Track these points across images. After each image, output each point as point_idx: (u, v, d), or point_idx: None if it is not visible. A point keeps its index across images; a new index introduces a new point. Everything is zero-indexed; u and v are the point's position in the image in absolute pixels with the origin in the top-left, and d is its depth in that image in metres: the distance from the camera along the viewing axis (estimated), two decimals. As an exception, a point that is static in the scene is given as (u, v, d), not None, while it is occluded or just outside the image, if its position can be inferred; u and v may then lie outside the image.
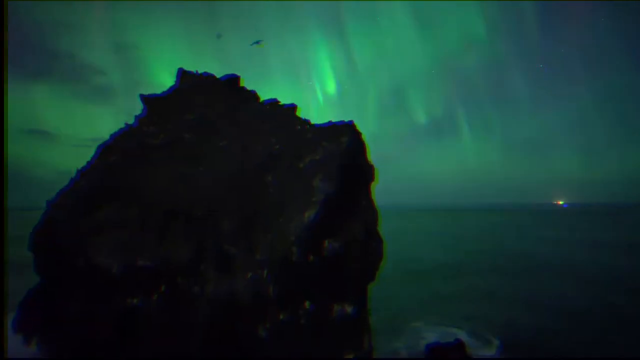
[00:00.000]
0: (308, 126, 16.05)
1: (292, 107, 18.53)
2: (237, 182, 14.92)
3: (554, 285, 33.93)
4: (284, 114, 17.61)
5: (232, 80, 20.42)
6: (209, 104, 19.25)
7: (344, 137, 14.14)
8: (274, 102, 19.32)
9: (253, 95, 19.65)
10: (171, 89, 20.56)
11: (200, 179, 15.73)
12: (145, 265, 13.53)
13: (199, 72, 21.78)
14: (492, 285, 32.59)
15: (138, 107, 19.83)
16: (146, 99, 19.68)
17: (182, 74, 21.91)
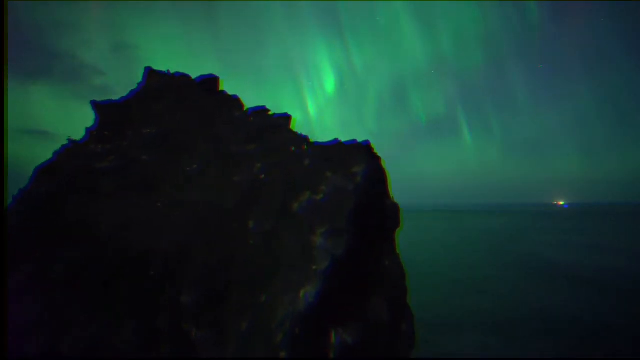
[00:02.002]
0: (306, 146, 11.84)
1: (285, 118, 14.32)
2: (206, 227, 10.73)
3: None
4: (274, 128, 13.37)
5: (209, 81, 16.15)
6: (178, 113, 15.00)
7: (358, 165, 10.12)
8: (261, 111, 15.08)
9: (235, 101, 15.38)
10: (132, 92, 16.26)
11: (156, 219, 11.54)
12: (69, 355, 9.36)
13: (185, 72, 17.55)
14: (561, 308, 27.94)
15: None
16: (98, 106, 15.39)
17: (148, 74, 17.60)
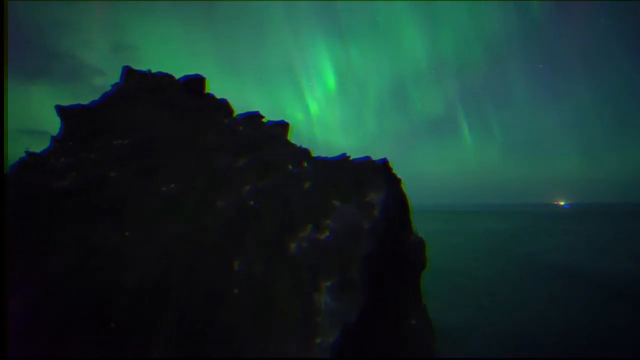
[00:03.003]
0: (306, 163, 9.68)
1: (282, 126, 12.19)
2: (183, 264, 8.59)
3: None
4: (268, 139, 11.21)
5: (194, 82, 14.00)
6: (157, 120, 12.85)
7: (375, 191, 8.19)
8: (253, 117, 12.92)
9: (223, 106, 13.21)
10: (105, 95, 14.10)
11: (124, 252, 9.41)
12: None
13: (167, 73, 15.45)
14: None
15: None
16: (64, 111, 13.23)
17: (126, 74, 15.47)
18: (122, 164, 11.52)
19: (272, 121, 12.63)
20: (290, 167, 9.58)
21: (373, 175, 8.81)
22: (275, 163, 9.68)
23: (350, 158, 10.03)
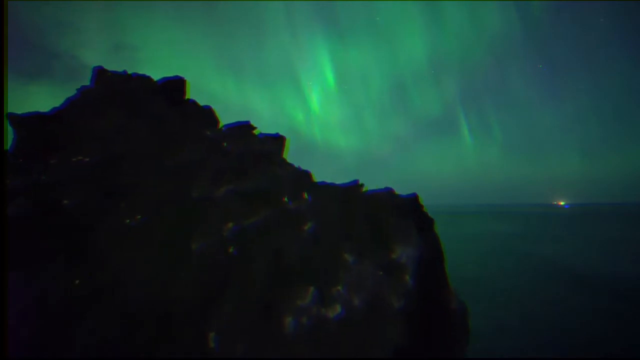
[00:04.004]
0: (306, 194, 7.54)
1: (276, 140, 10.07)
2: (141, 339, 6.47)
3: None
4: (259, 158, 9.07)
5: (173, 85, 11.87)
6: (127, 131, 10.72)
7: (403, 244, 6.13)
8: (243, 128, 10.78)
9: (206, 114, 11.05)
10: (68, 101, 11.95)
11: (69, 311, 7.30)
12: None
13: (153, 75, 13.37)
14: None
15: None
16: (16, 120, 11.10)
17: (97, 74, 13.35)
18: (79, 187, 9.40)
19: (265, 134, 10.51)
20: (286, 199, 7.46)
21: (399, 218, 6.69)
22: (266, 193, 7.57)
23: (365, 188, 7.89)
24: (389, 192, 7.53)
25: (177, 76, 12.14)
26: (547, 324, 23.30)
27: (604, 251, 59.38)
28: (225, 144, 9.40)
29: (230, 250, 6.63)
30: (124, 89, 12.63)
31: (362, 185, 8.24)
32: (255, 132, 10.90)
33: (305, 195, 7.73)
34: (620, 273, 41.66)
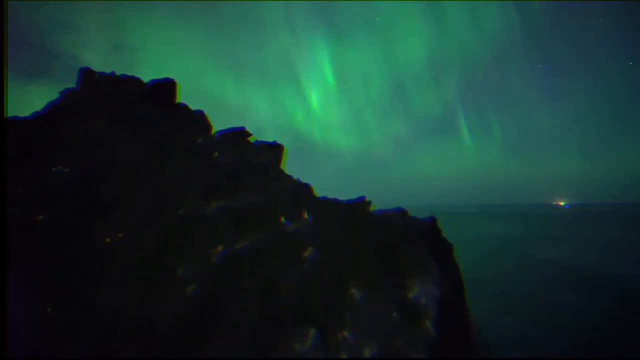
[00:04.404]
0: (306, 214, 6.69)
1: (273, 148, 9.22)
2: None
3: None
4: (255, 170, 8.23)
5: (163, 87, 11.02)
6: (112, 138, 9.87)
7: (422, 279, 5.56)
8: (237, 134, 9.93)
9: (198, 119, 10.20)
10: (49, 105, 11.12)
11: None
12: None
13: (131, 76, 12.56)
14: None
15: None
16: (-9, 127, 10.21)
17: (83, 75, 12.52)
18: (56, 202, 8.56)
19: (261, 142, 9.67)
20: (283, 218, 6.63)
21: (415, 246, 5.81)
22: (260, 211, 6.74)
23: (372, 206, 7.03)
24: (401, 213, 6.64)
25: (167, 78, 11.29)
26: (547, 324, 23.13)
27: (604, 251, 58.55)
28: (216, 154, 8.56)
29: (219, 278, 5.81)
30: (111, 91, 11.79)
31: (369, 202, 7.36)
32: (251, 139, 10.07)
33: (305, 215, 6.90)
34: (620, 273, 40.84)
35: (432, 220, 6.54)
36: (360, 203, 7.24)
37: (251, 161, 8.50)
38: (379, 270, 5.98)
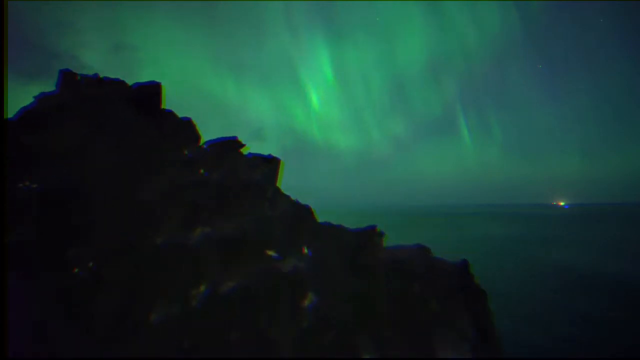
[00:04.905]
0: (306, 249, 5.65)
1: (268, 163, 8.17)
2: None
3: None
4: (247, 190, 7.18)
5: (147, 91, 9.96)
6: (88, 150, 8.81)
7: (454, 347, 3.94)
8: (228, 144, 8.87)
9: (185, 127, 9.13)
10: (21, 111, 10.07)
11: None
12: None
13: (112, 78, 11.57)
14: None
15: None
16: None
17: (63, 78, 11.50)
18: (23, 223, 7.51)
19: (255, 154, 8.61)
20: (278, 252, 5.59)
21: (442, 299, 4.75)
22: (252, 242, 5.71)
23: (385, 238, 5.90)
24: (422, 251, 5.50)
25: (152, 81, 10.23)
26: (547, 324, 22.84)
27: (604, 252, 57.85)
28: (202, 171, 7.50)
29: (200, 327, 4.78)
30: (91, 96, 10.72)
31: (380, 233, 6.23)
32: (244, 150, 9.01)
33: (305, 250, 5.84)
34: (620, 273, 40.18)
35: (463, 265, 5.48)
36: (371, 233, 6.14)
37: (243, 179, 7.46)
38: (396, 326, 4.94)
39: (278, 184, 8.15)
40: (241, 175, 7.49)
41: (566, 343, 20.15)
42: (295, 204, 7.39)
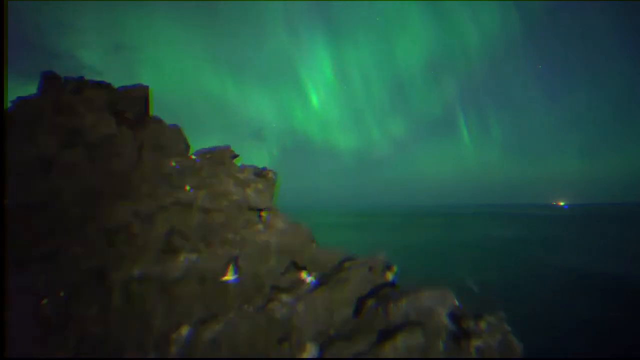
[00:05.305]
0: (309, 280, 4.81)
1: (261, 179, 7.33)
2: None
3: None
4: (236, 210, 6.32)
5: (133, 95, 9.11)
6: (66, 163, 7.95)
7: None
8: (219, 154, 8.02)
9: (172, 136, 8.26)
10: (-5, 118, 9.19)
11: None
12: None
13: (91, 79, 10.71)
14: None
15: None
16: None
17: (44, 81, 10.72)
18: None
19: (248, 166, 7.75)
20: (272, 292, 4.72)
21: None
22: (241, 282, 4.83)
23: (394, 270, 4.89)
24: (441, 295, 4.53)
25: (138, 84, 9.37)
26: (547, 325, 22.46)
27: (604, 252, 57.13)
28: (188, 188, 6.64)
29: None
30: (70, 103, 9.85)
31: (391, 267, 5.19)
32: (236, 161, 8.15)
33: (307, 283, 4.94)
34: (620, 274, 39.74)
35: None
36: (381, 264, 5.15)
37: (233, 197, 6.60)
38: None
39: (274, 202, 7.26)
40: (232, 193, 6.62)
41: (566, 343, 19.71)
42: (294, 226, 6.50)
